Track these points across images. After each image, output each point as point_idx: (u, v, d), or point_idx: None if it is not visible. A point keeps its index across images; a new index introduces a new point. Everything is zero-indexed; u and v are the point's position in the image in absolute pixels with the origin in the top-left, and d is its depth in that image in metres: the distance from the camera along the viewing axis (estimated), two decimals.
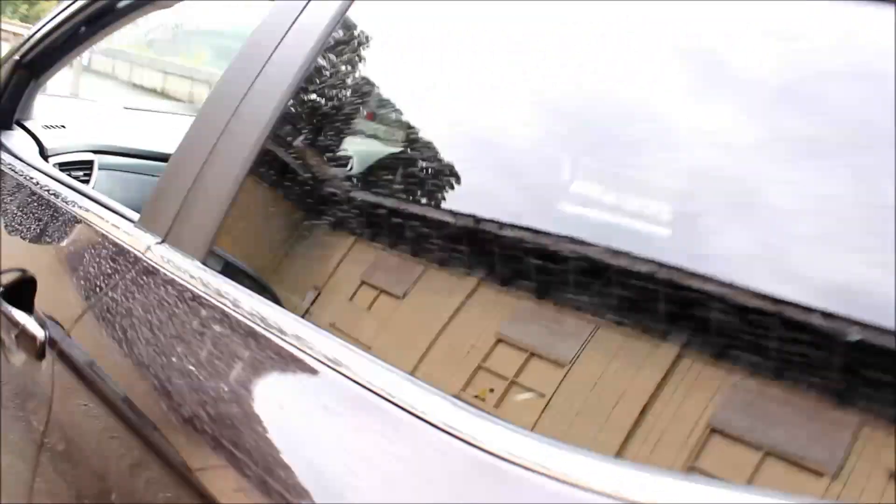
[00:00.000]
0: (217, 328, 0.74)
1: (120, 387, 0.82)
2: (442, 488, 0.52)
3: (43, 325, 0.95)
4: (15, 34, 11.86)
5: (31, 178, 1.23)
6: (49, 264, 1.03)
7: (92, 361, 0.88)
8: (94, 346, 0.89)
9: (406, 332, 0.71)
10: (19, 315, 0.99)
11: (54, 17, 1.45)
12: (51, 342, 0.93)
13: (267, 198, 0.90)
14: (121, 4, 1.41)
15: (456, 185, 0.74)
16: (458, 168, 0.75)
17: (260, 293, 0.76)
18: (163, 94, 10.98)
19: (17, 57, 1.50)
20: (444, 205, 0.74)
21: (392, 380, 0.60)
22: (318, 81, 0.87)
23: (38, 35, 1.48)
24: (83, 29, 1.49)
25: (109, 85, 11.93)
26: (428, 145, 0.82)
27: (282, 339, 0.68)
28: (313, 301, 0.79)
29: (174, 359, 0.75)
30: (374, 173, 0.86)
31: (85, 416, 0.87)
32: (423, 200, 0.77)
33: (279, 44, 0.87)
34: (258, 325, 0.71)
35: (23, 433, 0.98)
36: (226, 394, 0.68)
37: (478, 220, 0.70)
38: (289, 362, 0.67)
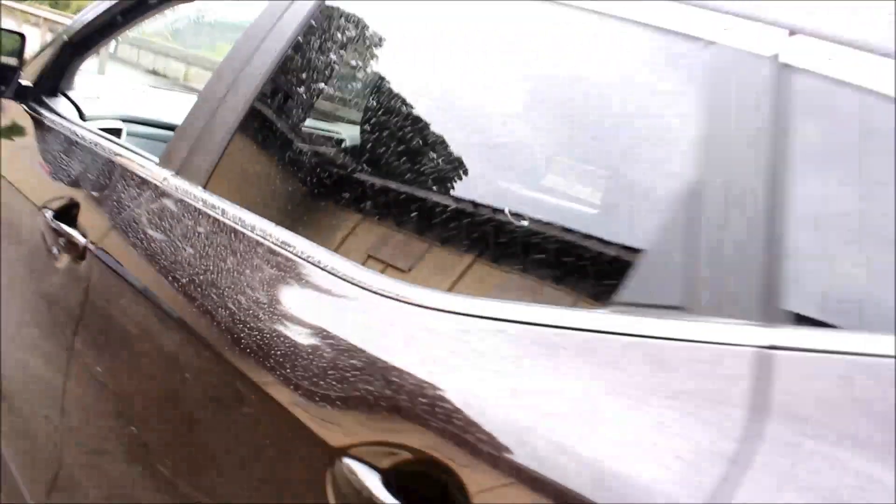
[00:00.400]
0: (211, 229, 1.07)
1: (138, 274, 1.15)
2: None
3: (84, 235, 1.28)
4: (45, 19, 12.33)
5: (74, 132, 1.56)
6: (89, 193, 1.36)
7: (118, 260, 1.21)
8: (121, 248, 1.21)
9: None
10: (67, 229, 1.32)
11: (97, 6, 1.79)
12: (88, 247, 1.26)
13: (251, 144, 1.22)
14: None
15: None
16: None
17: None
18: (184, 86, 11.38)
19: (65, 38, 1.84)
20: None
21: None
22: (293, 62, 1.20)
23: (83, 21, 1.82)
24: (119, 18, 1.83)
25: (134, 74, 12.37)
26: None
27: (252, 233, 1.00)
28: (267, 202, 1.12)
29: (180, 251, 1.08)
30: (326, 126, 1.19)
31: (112, 298, 1.20)
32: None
33: (269, 31, 1.20)
34: (238, 225, 1.03)
35: (61, 319, 1.31)
36: (217, 270, 1.01)
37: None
38: (256, 248, 1.00)
